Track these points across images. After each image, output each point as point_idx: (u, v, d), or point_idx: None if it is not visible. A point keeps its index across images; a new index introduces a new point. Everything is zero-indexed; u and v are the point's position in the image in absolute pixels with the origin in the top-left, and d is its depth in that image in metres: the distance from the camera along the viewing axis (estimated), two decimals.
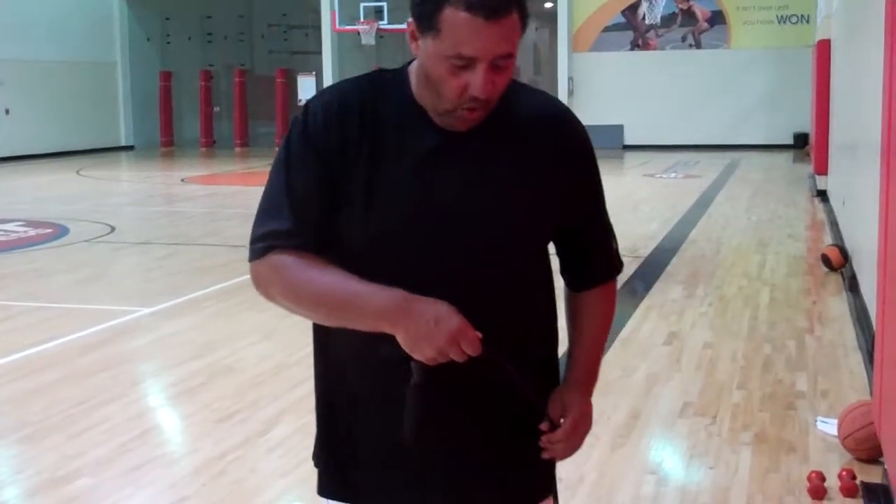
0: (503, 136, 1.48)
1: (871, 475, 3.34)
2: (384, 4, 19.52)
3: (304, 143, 1.48)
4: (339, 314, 1.44)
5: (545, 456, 1.54)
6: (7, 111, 19.26)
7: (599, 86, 20.60)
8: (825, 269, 6.92)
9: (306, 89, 21.96)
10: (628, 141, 20.48)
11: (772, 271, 7.16)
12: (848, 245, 7.03)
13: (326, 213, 1.47)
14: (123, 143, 22.25)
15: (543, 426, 1.53)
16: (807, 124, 16.79)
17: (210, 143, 22.74)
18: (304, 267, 1.44)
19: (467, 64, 1.38)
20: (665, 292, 6.40)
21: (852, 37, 7.33)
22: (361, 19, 19.56)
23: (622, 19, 20.98)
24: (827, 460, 3.49)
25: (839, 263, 6.82)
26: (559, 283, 1.65)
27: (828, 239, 8.27)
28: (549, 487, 1.64)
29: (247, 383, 4.53)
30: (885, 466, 3.21)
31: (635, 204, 11.08)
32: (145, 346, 5.37)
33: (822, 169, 11.06)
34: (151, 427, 4.11)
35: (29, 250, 8.51)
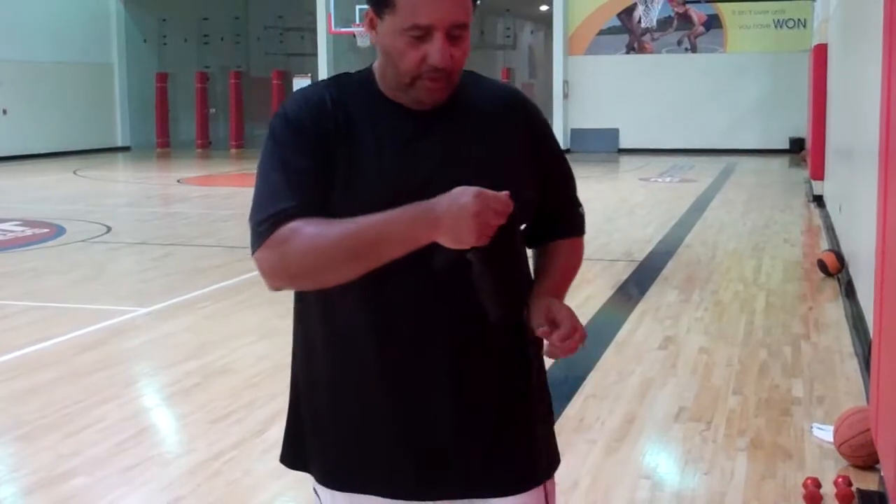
0: (470, 117, 1.54)
1: (867, 482, 3.34)
2: None
3: (289, 131, 1.49)
4: (371, 250, 1.41)
5: (551, 356, 1.52)
6: (4, 111, 19.23)
7: (595, 89, 20.63)
8: (821, 275, 6.93)
9: None
10: (623, 145, 20.52)
11: (768, 276, 7.17)
12: (844, 250, 7.04)
13: (324, 191, 1.47)
14: (120, 143, 22.23)
15: (542, 331, 1.50)
16: (803, 129, 16.84)
17: (206, 145, 22.73)
18: (321, 223, 1.42)
19: (424, 34, 1.44)
20: (660, 297, 6.40)
21: (849, 41, 7.35)
22: (357, 21, 19.54)
23: (618, 22, 21.02)
24: (823, 467, 3.50)
25: (835, 269, 6.83)
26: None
27: (824, 244, 8.28)
28: (548, 472, 1.65)
29: (242, 384, 4.53)
30: (882, 473, 3.21)
31: (630, 208, 11.10)
32: (141, 347, 5.36)
33: (818, 174, 11.08)
34: (147, 427, 4.10)
35: (26, 250, 8.49)
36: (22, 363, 4.94)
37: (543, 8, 22.19)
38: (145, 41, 23.09)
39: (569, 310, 1.53)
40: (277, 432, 3.84)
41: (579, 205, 1.71)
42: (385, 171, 1.48)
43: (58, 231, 9.45)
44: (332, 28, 20.17)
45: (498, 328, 1.51)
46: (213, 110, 23.56)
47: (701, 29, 20.60)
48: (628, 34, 20.94)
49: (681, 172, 15.92)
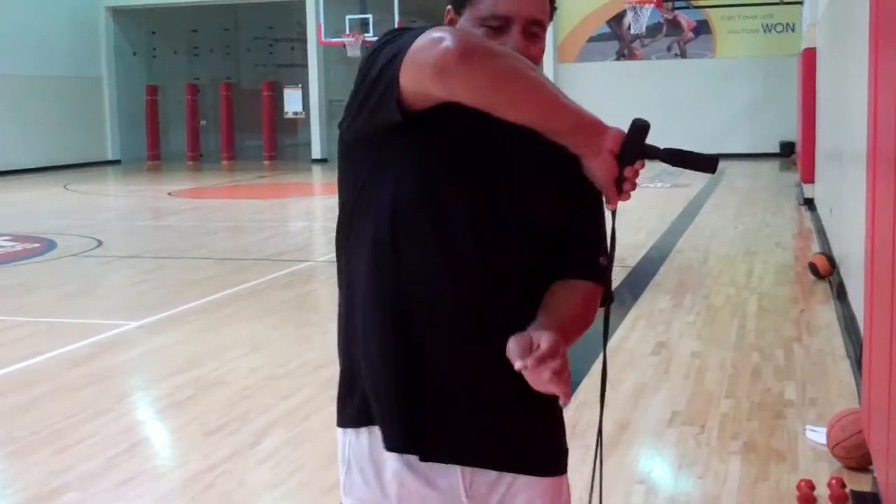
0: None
1: (861, 483, 3.34)
2: (370, 17, 19.58)
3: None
4: (540, 102, 1.36)
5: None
6: None
7: (585, 96, 20.47)
8: (813, 278, 6.95)
9: (292, 102, 21.98)
10: None
11: (759, 280, 7.18)
12: (835, 253, 7.06)
13: None
14: (110, 157, 22.18)
15: (519, 366, 1.32)
16: (793, 133, 16.90)
17: (197, 157, 22.70)
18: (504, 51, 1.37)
19: (501, 26, 1.46)
20: (653, 302, 6.41)
21: (837, 45, 7.38)
22: (347, 32, 19.59)
23: (607, 29, 21.08)
24: (816, 469, 3.50)
25: (827, 271, 6.85)
26: None
27: (815, 247, 8.31)
28: (566, 466, 1.65)
29: (235, 396, 4.52)
30: (875, 474, 3.22)
31: (622, 213, 11.09)
32: (133, 360, 5.34)
33: (808, 177, 11.12)
34: (140, 441, 4.08)
35: (16, 265, 8.47)
36: (13, 379, 4.91)
37: None
38: (135, 54, 23.08)
39: (556, 339, 1.35)
40: (271, 444, 3.86)
41: (605, 254, 1.57)
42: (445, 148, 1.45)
43: (48, 245, 9.42)
44: (323, 38, 20.20)
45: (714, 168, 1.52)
46: (203, 122, 23.53)
47: (690, 35, 20.68)
48: (618, 41, 21.01)
49: (672, 177, 15.96)
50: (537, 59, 1.49)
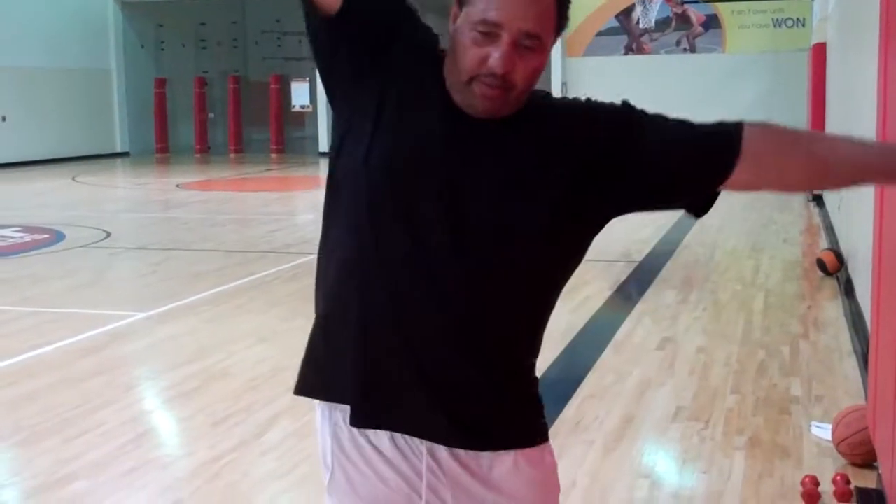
0: (528, 140, 1.45)
1: (866, 480, 3.34)
2: None
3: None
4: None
5: None
6: (3, 118, 19.24)
7: (593, 91, 20.30)
8: (820, 274, 6.93)
9: (300, 95, 21.98)
10: None
11: (766, 276, 7.17)
12: (843, 249, 7.04)
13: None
14: (119, 149, 22.23)
15: None
16: (803, 128, 16.83)
17: (205, 149, 22.74)
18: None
19: (491, 33, 1.38)
20: (659, 297, 6.41)
21: (848, 40, 7.36)
22: None
23: (616, 23, 21.03)
24: (821, 465, 3.50)
25: (834, 268, 6.83)
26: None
27: (823, 243, 8.28)
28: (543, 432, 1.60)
29: (242, 387, 4.54)
30: (880, 471, 3.22)
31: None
32: (141, 351, 5.37)
33: None
34: (147, 430, 4.11)
35: (25, 256, 8.50)
36: (22, 369, 4.94)
37: None
38: (143, 47, 23.10)
39: None
40: (277, 435, 3.87)
41: (702, 124, 1.51)
42: (408, 145, 1.44)
43: (57, 237, 9.46)
44: None
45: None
46: (211, 115, 23.56)
47: (699, 29, 20.61)
48: (627, 35, 20.96)
49: None
50: (527, 78, 1.40)
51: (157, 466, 3.62)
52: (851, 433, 3.47)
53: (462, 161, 1.44)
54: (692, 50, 20.71)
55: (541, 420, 1.60)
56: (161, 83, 22.73)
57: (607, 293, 6.53)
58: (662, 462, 3.68)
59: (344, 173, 1.50)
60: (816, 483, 3.24)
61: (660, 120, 1.50)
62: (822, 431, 3.75)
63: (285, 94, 22.29)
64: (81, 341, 5.43)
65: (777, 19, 20.10)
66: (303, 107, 22.18)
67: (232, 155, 22.19)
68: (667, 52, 20.81)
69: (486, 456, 1.52)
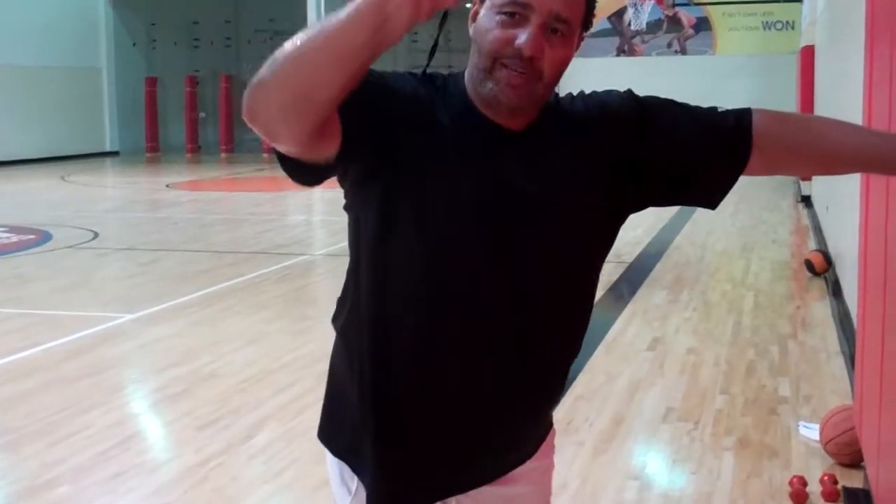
0: (556, 135, 1.42)
1: (853, 480, 3.35)
2: None
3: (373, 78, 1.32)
4: (351, 26, 1.13)
5: None
6: None
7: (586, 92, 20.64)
8: (809, 274, 6.94)
9: None
10: None
11: (756, 276, 7.18)
12: (831, 250, 7.06)
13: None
14: (109, 148, 22.16)
15: None
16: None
17: (195, 149, 22.68)
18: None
19: (520, 14, 1.31)
20: (649, 297, 6.41)
21: (835, 43, 7.38)
22: None
23: (608, 25, 21.06)
24: (809, 465, 3.50)
25: (823, 268, 6.85)
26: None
27: (812, 244, 8.30)
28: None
29: (230, 389, 4.51)
30: (867, 471, 3.22)
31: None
32: (128, 353, 5.34)
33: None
34: (133, 434, 4.08)
35: (12, 256, 8.46)
36: (7, 370, 4.91)
37: None
38: (134, 45, 23.04)
39: None
40: (264, 438, 3.86)
41: (715, 111, 1.50)
42: (458, 189, 1.37)
43: (44, 237, 9.41)
44: None
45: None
46: (202, 114, 23.50)
47: (690, 31, 20.66)
48: (619, 37, 20.98)
49: None
50: (555, 66, 1.34)
51: (144, 470, 3.59)
52: (839, 433, 3.48)
53: (499, 189, 1.39)
54: (683, 52, 20.75)
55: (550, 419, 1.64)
56: (152, 82, 22.67)
57: (598, 293, 6.51)
58: (652, 463, 3.67)
59: (397, 244, 1.40)
60: (804, 483, 3.24)
61: (673, 114, 1.48)
62: (810, 431, 3.76)
63: None
64: (68, 343, 5.40)
65: (766, 22, 20.16)
66: None
67: (223, 155, 22.14)
68: (658, 54, 20.84)
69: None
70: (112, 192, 15.41)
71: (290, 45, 1.15)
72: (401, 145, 1.35)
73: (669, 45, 20.86)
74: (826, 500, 3.19)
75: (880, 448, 2.75)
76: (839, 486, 3.23)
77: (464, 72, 1.42)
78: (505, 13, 1.32)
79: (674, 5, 19.59)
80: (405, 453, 1.46)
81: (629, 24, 20.79)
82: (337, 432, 1.56)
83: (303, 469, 3.53)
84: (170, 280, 7.29)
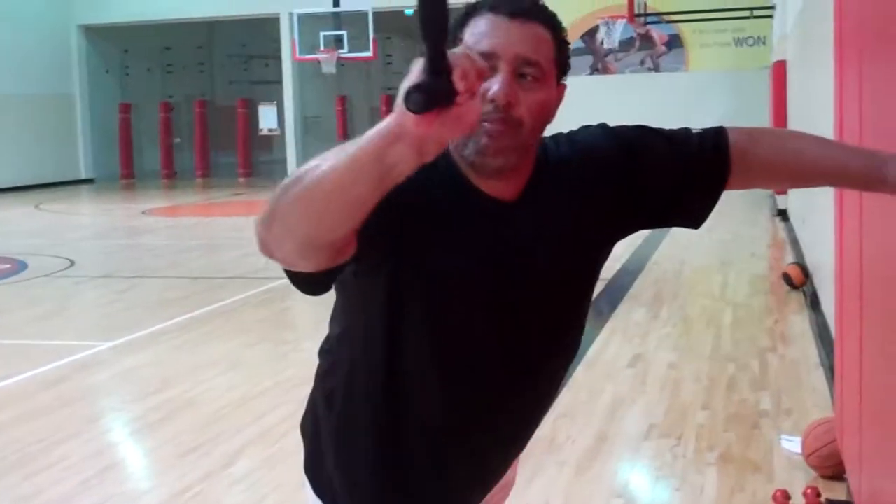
0: (553, 200, 1.41)
1: (836, 492, 3.35)
2: (344, 33, 19.59)
3: None
4: (353, 177, 1.06)
5: None
6: None
7: (560, 111, 20.53)
8: (787, 288, 6.99)
9: (267, 119, 21.92)
10: None
11: (734, 291, 7.22)
12: (809, 263, 7.11)
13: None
14: (83, 175, 22.01)
15: None
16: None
17: (171, 175, 22.57)
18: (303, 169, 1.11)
19: (489, 66, 1.26)
20: (629, 314, 6.42)
21: (806, 58, 7.46)
22: (322, 48, 19.59)
23: (581, 44, 21.21)
24: (791, 478, 3.51)
25: (800, 281, 6.89)
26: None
27: (789, 257, 8.36)
28: None
29: (209, 416, 4.47)
30: (849, 483, 3.23)
31: None
32: (106, 382, 5.28)
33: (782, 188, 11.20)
34: (112, 464, 4.02)
35: None
36: None
37: None
38: (107, 72, 22.95)
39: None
40: (245, 465, 3.81)
41: (689, 132, 1.53)
42: (462, 272, 1.36)
43: (19, 266, 9.31)
44: (297, 55, 20.18)
45: None
46: (177, 140, 23.42)
47: (663, 49, 20.85)
48: (592, 55, 21.14)
49: None
50: (533, 111, 1.31)
51: (123, 501, 3.54)
52: (820, 446, 3.48)
53: (502, 268, 1.38)
54: (656, 69, 20.94)
55: None
56: (126, 108, 22.57)
57: None
58: (636, 480, 3.67)
59: (414, 316, 1.38)
60: (787, 496, 3.24)
61: (653, 145, 1.49)
62: (792, 445, 3.77)
63: (252, 118, 22.22)
64: (44, 373, 5.33)
65: (738, 38, 20.38)
66: (270, 130, 22.11)
67: (199, 180, 22.04)
68: (631, 72, 21.01)
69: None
70: (88, 220, 15.29)
71: (295, 189, 1.09)
72: (403, 235, 1.32)
73: (642, 62, 21.04)
74: None
75: (862, 459, 2.76)
76: (822, 499, 3.24)
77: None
78: None
79: (646, 23, 19.78)
80: None
81: (601, 43, 20.96)
82: (326, 479, 1.54)
83: (285, 496, 3.49)
84: (148, 307, 7.23)
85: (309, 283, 1.28)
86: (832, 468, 3.45)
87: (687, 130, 1.53)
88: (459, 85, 0.96)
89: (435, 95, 0.97)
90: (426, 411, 1.43)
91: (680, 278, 7.83)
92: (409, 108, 0.97)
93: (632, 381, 4.84)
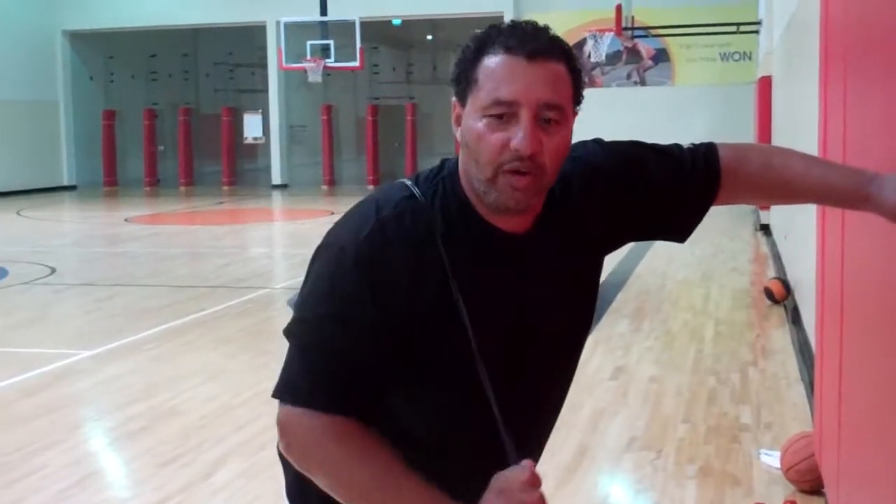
0: (563, 230, 1.41)
1: None
2: (331, 42, 19.58)
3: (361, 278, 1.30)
4: None
5: None
6: None
7: None
8: (768, 302, 7.02)
9: (252, 127, 21.88)
10: None
11: (716, 305, 7.25)
12: (790, 278, 7.15)
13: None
14: (66, 182, 21.88)
15: None
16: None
17: (154, 183, 22.48)
18: (356, 447, 1.32)
19: (508, 113, 1.25)
20: (612, 327, 6.44)
21: (791, 73, 7.53)
22: (308, 57, 19.59)
23: None
24: (770, 492, 3.52)
25: (782, 296, 6.93)
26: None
27: (771, 272, 8.41)
28: None
29: (190, 426, 4.44)
30: (827, 497, 3.24)
31: None
32: (86, 390, 5.24)
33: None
34: (91, 473, 3.99)
35: None
36: None
37: None
38: (91, 78, 22.85)
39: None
40: (226, 475, 3.79)
41: (676, 147, 1.54)
42: (487, 310, 1.34)
43: (0, 273, 9.24)
44: (283, 64, 20.16)
45: None
46: (161, 148, 23.33)
47: (649, 63, 20.98)
48: None
49: None
50: (556, 155, 1.29)
51: None
52: (799, 460, 3.50)
53: (525, 297, 1.39)
54: (643, 83, 21.05)
55: None
56: (110, 115, 22.46)
57: None
58: (616, 493, 3.67)
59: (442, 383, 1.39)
60: None
61: (647, 161, 1.50)
62: (771, 459, 3.78)
63: (237, 126, 22.17)
64: (23, 381, 5.29)
65: (724, 53, 20.54)
66: (255, 138, 22.07)
67: (182, 188, 21.96)
68: (618, 85, 21.12)
69: None
70: (69, 227, 15.20)
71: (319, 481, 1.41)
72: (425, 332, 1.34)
73: (629, 76, 21.16)
74: None
75: (840, 474, 2.77)
76: None
77: (456, 168, 1.36)
78: (492, 115, 1.26)
79: (633, 37, 19.89)
80: None
81: (589, 56, 21.05)
82: None
83: None
84: (128, 315, 7.19)
85: None
86: (810, 483, 3.47)
87: (678, 146, 1.55)
88: None
89: None
90: (420, 433, 1.42)
91: (663, 292, 7.86)
92: None
93: (613, 394, 4.85)
